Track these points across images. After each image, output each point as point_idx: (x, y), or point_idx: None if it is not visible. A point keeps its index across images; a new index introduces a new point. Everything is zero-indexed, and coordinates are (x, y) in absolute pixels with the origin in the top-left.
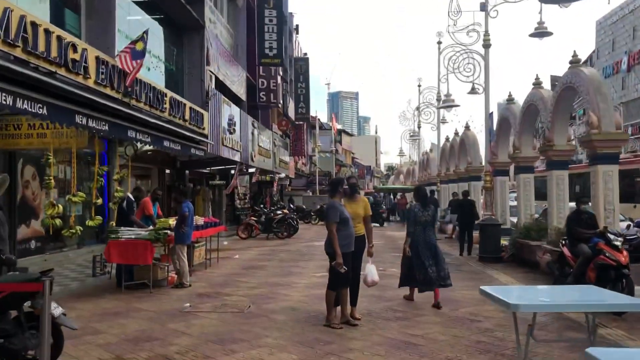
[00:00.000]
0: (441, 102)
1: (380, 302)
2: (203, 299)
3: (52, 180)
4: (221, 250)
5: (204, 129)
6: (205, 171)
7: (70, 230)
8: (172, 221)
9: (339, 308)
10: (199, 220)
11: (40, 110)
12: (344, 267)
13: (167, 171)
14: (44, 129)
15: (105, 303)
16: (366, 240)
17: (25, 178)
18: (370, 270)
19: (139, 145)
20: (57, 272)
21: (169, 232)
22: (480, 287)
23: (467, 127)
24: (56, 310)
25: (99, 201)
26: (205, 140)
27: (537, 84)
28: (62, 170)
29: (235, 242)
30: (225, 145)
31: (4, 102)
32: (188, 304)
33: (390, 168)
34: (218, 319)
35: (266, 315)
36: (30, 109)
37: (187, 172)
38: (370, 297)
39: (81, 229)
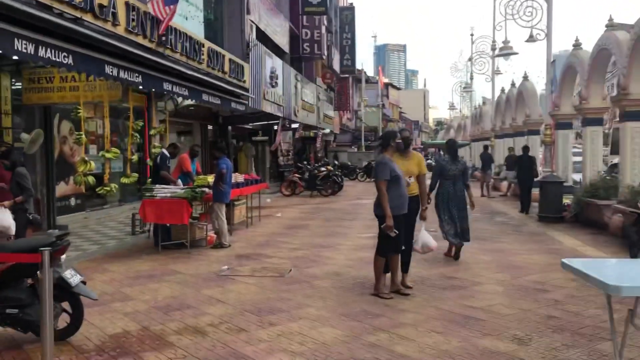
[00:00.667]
0: (497, 51)
1: (433, 267)
2: (242, 260)
3: (83, 136)
4: (263, 208)
5: (244, 82)
6: (248, 127)
7: (105, 188)
8: (211, 178)
9: (388, 275)
10: (239, 177)
11: (66, 59)
12: (395, 230)
13: (210, 127)
14: (76, 81)
15: (140, 265)
16: (420, 202)
17: (62, 134)
18: (423, 236)
19: (179, 100)
20: (97, 230)
21: (206, 190)
22: (563, 260)
23: (525, 78)
24: (74, 278)
25: (135, 157)
26: (246, 94)
27: (611, 25)
28: (100, 125)
29: (279, 199)
30: (267, 100)
31: (25, 51)
32: (226, 267)
33: (439, 123)
34: (256, 284)
35: (308, 281)
36: (54, 58)
37: (229, 127)
38: (423, 263)
39: (116, 186)
